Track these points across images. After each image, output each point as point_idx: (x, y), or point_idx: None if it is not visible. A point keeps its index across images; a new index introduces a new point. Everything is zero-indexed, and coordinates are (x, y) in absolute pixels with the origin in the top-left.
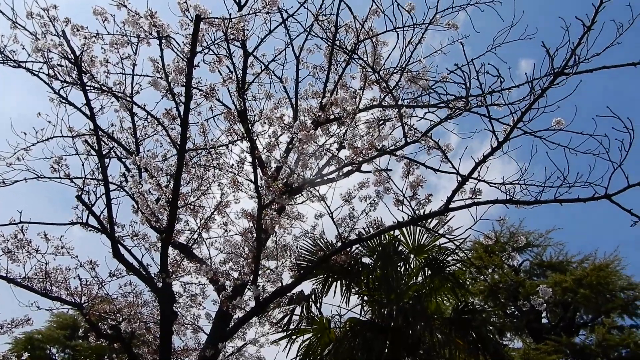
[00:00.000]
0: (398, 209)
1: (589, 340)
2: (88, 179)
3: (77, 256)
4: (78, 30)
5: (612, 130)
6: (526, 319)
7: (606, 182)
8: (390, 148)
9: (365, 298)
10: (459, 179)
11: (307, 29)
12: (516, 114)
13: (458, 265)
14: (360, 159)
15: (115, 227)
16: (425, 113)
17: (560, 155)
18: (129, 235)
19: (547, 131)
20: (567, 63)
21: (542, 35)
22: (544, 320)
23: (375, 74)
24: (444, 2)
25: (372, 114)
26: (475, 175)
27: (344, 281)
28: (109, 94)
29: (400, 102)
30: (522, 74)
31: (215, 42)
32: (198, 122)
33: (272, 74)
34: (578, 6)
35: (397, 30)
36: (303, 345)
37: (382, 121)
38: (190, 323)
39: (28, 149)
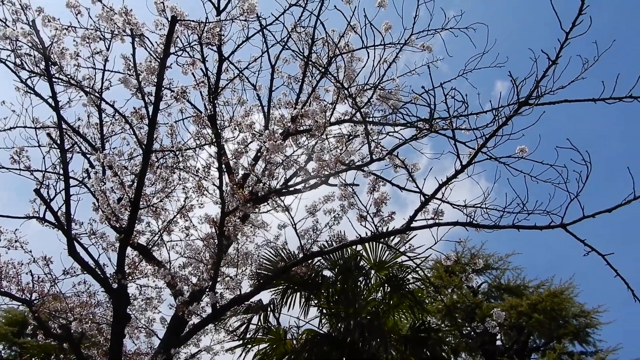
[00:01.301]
0: (361, 224)
1: None
2: (49, 172)
3: (30, 251)
4: (49, 21)
5: (571, 161)
6: (481, 340)
7: (563, 212)
8: (357, 164)
9: (324, 311)
10: (422, 199)
11: (283, 42)
12: (481, 139)
13: (417, 283)
14: (327, 173)
15: (73, 224)
16: (388, 133)
17: (523, 182)
18: (86, 233)
19: (510, 158)
20: (531, 94)
21: (513, 63)
22: (499, 343)
23: (345, 90)
24: (421, 24)
25: (340, 128)
26: (439, 195)
27: (303, 293)
28: (78, 88)
29: (370, 119)
30: (497, 95)
31: (190, 44)
32: (167, 123)
33: (247, 81)
34: (552, 36)
35: (369, 48)
36: (258, 354)
37: (351, 136)
38: (144, 326)
39: None
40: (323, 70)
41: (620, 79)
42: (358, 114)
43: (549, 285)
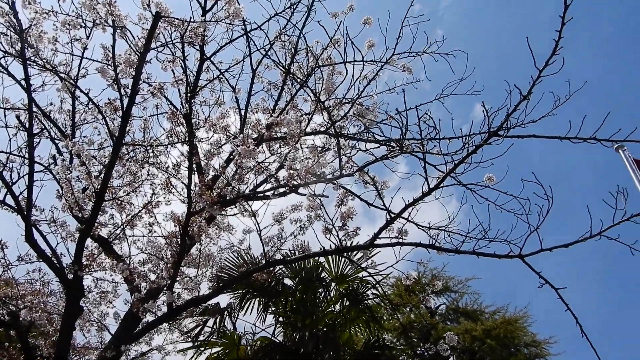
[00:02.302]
0: (326, 236)
1: None
2: (14, 154)
3: None
4: (30, 3)
5: (534, 195)
6: None
7: (522, 243)
8: (328, 176)
9: (281, 319)
10: (388, 217)
11: (265, 50)
12: (451, 164)
13: (376, 300)
14: (296, 182)
15: (34, 210)
16: (360, 149)
17: (488, 210)
18: (46, 221)
19: (477, 185)
20: (502, 125)
21: (491, 91)
22: None
23: (320, 104)
24: (405, 44)
25: (313, 140)
26: (406, 215)
27: (262, 299)
28: (53, 73)
29: (345, 133)
30: (475, 117)
31: (173, 42)
32: (142, 117)
33: (226, 83)
34: (532, 69)
35: (349, 64)
36: (210, 358)
37: (325, 149)
38: (97, 320)
39: None
40: (301, 83)
41: (590, 119)
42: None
43: (504, 312)
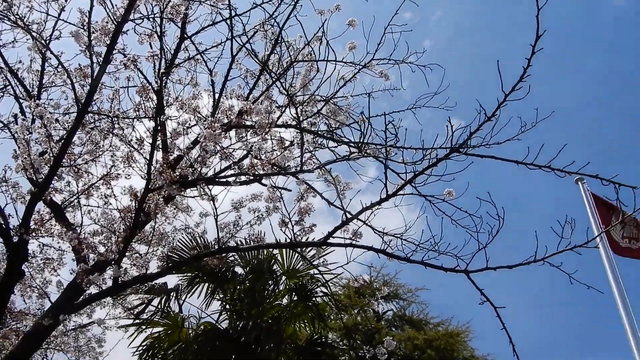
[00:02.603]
0: (281, 229)
1: None
2: None
3: None
4: None
5: (486, 214)
6: None
7: (469, 259)
8: (291, 170)
9: (227, 306)
10: (344, 218)
11: (246, 39)
12: (412, 174)
13: (325, 298)
14: (258, 173)
15: None
16: (327, 146)
17: (441, 223)
18: None
19: (435, 198)
20: (464, 143)
21: (464, 109)
22: None
23: (290, 99)
24: (385, 51)
25: (279, 133)
26: (364, 217)
27: (210, 285)
28: (25, 31)
29: (315, 130)
30: (451, 126)
31: (153, 15)
32: (112, 87)
33: (204, 64)
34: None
35: (325, 62)
36: (150, 337)
37: (292, 143)
38: (38, 287)
39: None
40: (275, 78)
41: (555, 149)
42: (305, 122)
43: (447, 325)
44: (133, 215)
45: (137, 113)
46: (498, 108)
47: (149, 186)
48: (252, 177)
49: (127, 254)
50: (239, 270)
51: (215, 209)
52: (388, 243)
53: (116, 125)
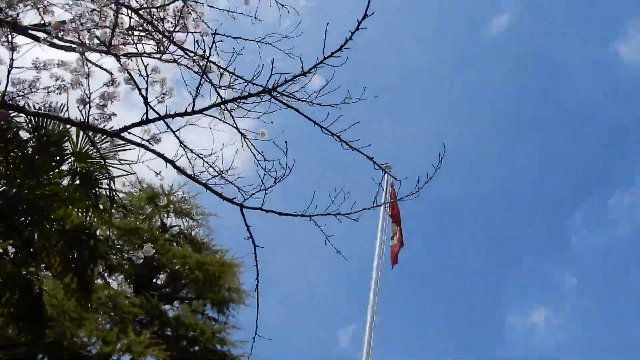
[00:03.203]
0: (78, 108)
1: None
2: None
3: None
4: None
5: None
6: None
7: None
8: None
9: (1, 167)
10: (147, 117)
11: None
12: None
13: (109, 192)
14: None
15: None
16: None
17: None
18: None
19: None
20: (274, 87)
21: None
22: (159, 282)
23: None
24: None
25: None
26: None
27: None
28: None
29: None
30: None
31: None
32: None
33: None
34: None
35: None
36: None
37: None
38: None
39: None
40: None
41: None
42: None
43: (224, 254)
44: None
45: None
46: (315, 67)
47: None
48: (67, 45)
49: None
50: (26, 136)
51: (12, 60)
52: (192, 161)
53: None
